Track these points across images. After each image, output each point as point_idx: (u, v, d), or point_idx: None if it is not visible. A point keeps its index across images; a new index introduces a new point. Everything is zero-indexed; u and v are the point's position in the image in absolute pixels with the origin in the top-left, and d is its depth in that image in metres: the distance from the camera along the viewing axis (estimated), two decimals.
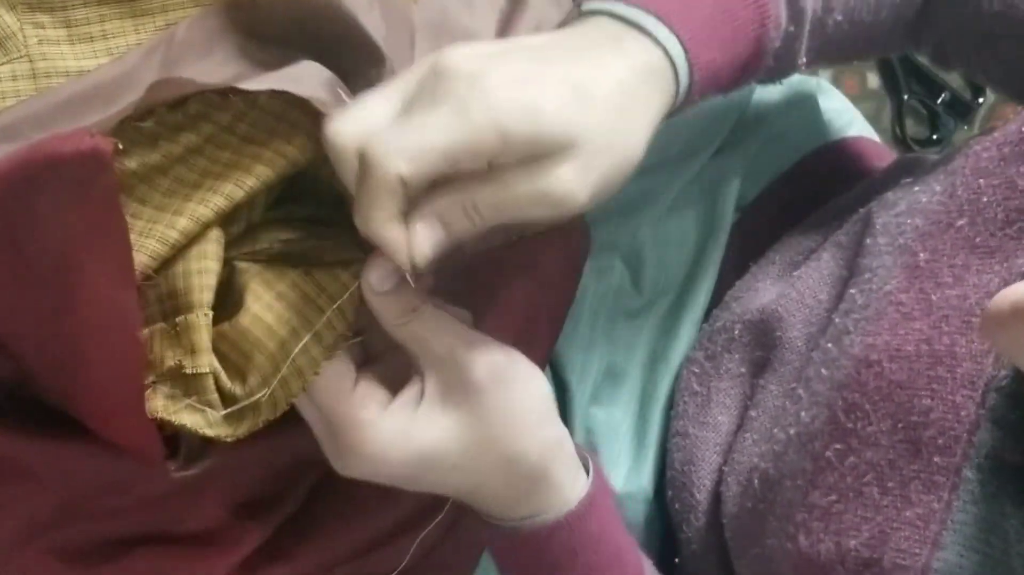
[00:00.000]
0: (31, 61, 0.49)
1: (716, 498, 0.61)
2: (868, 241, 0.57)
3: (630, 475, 0.66)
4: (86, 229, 0.42)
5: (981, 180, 0.52)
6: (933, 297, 0.51)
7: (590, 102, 0.45)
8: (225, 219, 0.50)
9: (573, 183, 0.45)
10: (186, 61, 0.50)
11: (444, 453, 0.49)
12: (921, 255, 0.53)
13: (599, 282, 0.68)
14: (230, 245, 0.51)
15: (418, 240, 0.45)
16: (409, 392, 0.50)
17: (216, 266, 0.49)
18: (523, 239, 0.61)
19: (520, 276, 0.60)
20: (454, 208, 0.45)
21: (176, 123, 0.48)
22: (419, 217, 0.45)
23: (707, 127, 0.72)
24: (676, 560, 0.66)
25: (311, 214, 0.54)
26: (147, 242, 0.47)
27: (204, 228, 0.49)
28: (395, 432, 0.48)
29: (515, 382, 0.50)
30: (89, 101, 0.49)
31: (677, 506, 0.63)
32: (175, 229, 0.48)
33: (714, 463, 0.62)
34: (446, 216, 0.45)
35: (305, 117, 0.50)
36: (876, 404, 0.50)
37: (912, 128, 0.99)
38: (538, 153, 0.44)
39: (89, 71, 0.49)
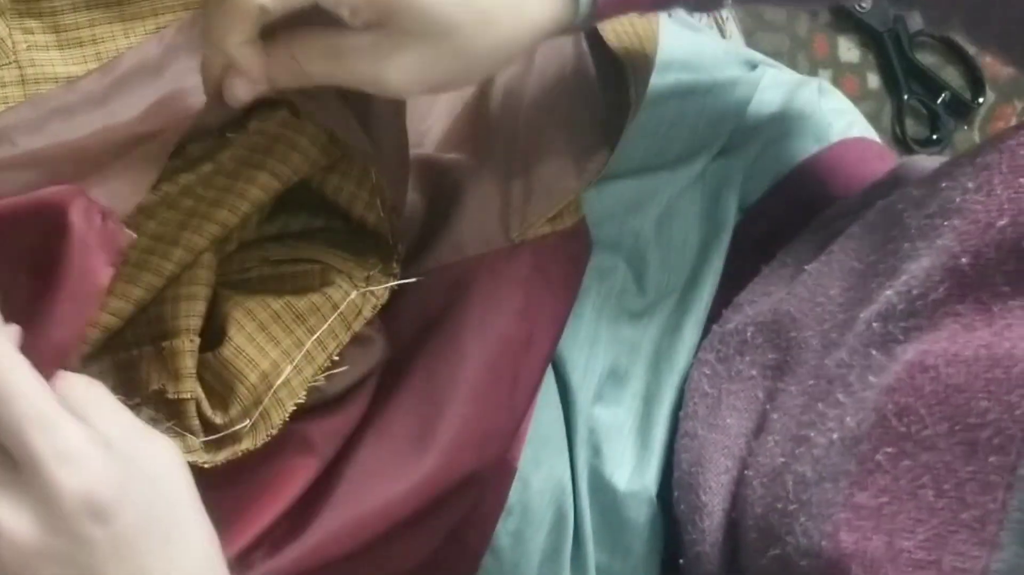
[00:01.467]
0: (20, 67, 0.47)
1: (724, 500, 0.60)
2: (906, 246, 0.55)
3: (634, 475, 0.65)
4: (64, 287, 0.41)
5: (1021, 179, 0.50)
6: (995, 308, 0.50)
7: None
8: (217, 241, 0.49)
9: (406, 78, 0.45)
10: (176, 65, 0.49)
11: None
12: (963, 259, 0.51)
13: (602, 283, 0.67)
14: (218, 264, 0.50)
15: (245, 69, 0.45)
16: None
17: (205, 291, 0.48)
18: (524, 243, 0.60)
19: (523, 281, 0.59)
20: (283, 55, 0.45)
21: (175, 167, 0.47)
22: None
23: (709, 128, 0.71)
24: (680, 561, 0.64)
25: (304, 226, 0.53)
26: (143, 275, 0.47)
27: (197, 255, 0.48)
28: None
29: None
30: (80, 109, 0.47)
31: (683, 507, 0.62)
32: (171, 260, 0.47)
33: (722, 465, 0.60)
34: (274, 63, 0.45)
35: (299, 135, 0.49)
36: (932, 408, 0.49)
37: (912, 128, 0.97)
38: (392, 25, 0.44)
39: (79, 77, 0.47)
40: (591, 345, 0.65)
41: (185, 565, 0.45)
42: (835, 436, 0.52)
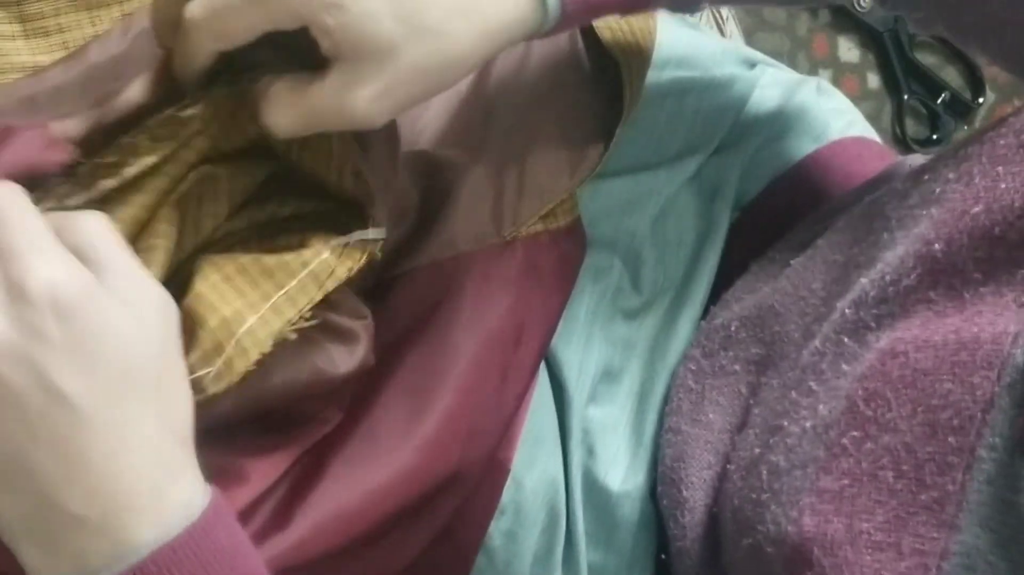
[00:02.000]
0: None
1: (706, 495, 0.59)
2: (885, 236, 0.55)
3: (628, 474, 0.64)
4: None
5: (1000, 168, 0.49)
6: (966, 295, 0.49)
7: (414, 7, 0.45)
8: (193, 216, 0.48)
9: (372, 107, 0.46)
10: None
11: None
12: (936, 246, 0.50)
13: (597, 282, 0.66)
14: (204, 245, 0.49)
15: None
16: None
17: (163, 243, 0.47)
18: (516, 241, 0.59)
19: (514, 278, 0.59)
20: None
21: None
22: None
23: (705, 126, 0.70)
24: (663, 556, 0.64)
25: (295, 210, 0.52)
26: None
27: (150, 212, 0.47)
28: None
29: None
30: (50, 100, 0.47)
31: (665, 502, 0.62)
32: (121, 221, 0.46)
33: (704, 460, 0.60)
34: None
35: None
36: (898, 391, 0.48)
37: (912, 128, 0.96)
38: (343, 54, 0.45)
39: (46, 67, 0.47)
40: (585, 345, 0.64)
41: (144, 411, 0.42)
42: (808, 424, 0.52)
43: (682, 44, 0.74)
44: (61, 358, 0.40)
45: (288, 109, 0.47)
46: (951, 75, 0.94)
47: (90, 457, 0.40)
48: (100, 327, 0.41)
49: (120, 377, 0.41)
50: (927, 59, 0.95)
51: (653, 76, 0.68)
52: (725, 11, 0.95)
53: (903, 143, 0.96)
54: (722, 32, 0.94)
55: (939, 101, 0.99)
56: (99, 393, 0.40)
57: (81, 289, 0.40)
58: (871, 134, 0.79)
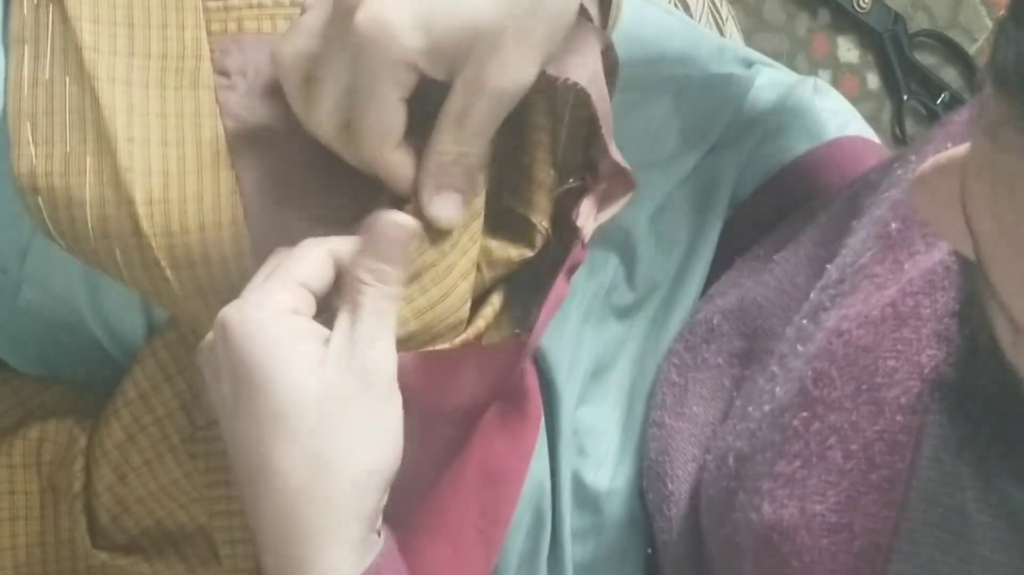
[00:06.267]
0: None
1: (690, 488, 0.58)
2: (854, 223, 0.54)
3: (617, 471, 0.63)
4: None
5: (950, 144, 0.49)
6: (906, 266, 0.49)
7: None
8: None
9: (516, 70, 0.44)
10: None
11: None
12: (893, 225, 0.50)
13: (592, 278, 0.64)
14: None
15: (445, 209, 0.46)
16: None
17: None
18: None
19: None
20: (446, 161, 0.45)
21: None
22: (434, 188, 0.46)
23: (702, 124, 0.69)
24: (649, 550, 0.63)
25: None
26: None
27: None
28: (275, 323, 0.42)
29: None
30: None
31: (651, 496, 0.60)
32: None
33: (689, 454, 0.59)
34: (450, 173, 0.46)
35: None
36: (842, 370, 0.48)
37: (912, 128, 0.94)
38: (465, 51, 0.43)
39: None
40: (576, 344, 0.63)
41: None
42: (767, 408, 0.51)
43: (679, 42, 0.72)
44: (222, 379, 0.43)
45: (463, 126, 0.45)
46: (951, 75, 0.91)
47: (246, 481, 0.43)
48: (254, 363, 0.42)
49: (265, 424, 0.42)
50: (927, 59, 0.93)
51: (651, 73, 0.67)
52: (725, 11, 0.92)
53: (903, 143, 0.94)
54: (721, 33, 0.92)
55: (939, 101, 0.96)
56: (243, 428, 0.42)
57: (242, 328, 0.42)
58: (869, 133, 0.77)
